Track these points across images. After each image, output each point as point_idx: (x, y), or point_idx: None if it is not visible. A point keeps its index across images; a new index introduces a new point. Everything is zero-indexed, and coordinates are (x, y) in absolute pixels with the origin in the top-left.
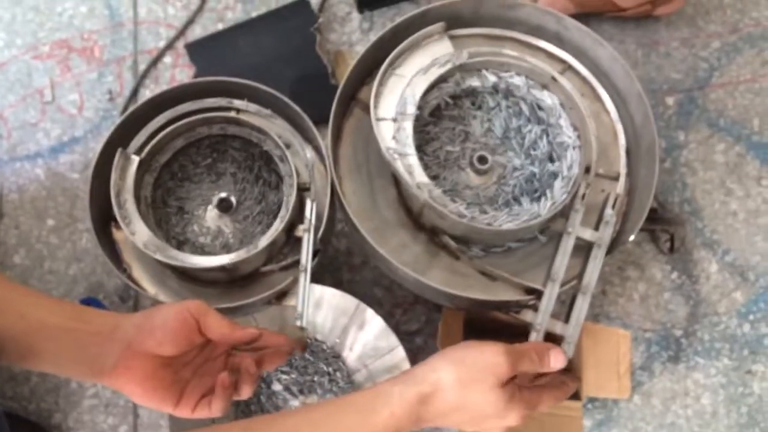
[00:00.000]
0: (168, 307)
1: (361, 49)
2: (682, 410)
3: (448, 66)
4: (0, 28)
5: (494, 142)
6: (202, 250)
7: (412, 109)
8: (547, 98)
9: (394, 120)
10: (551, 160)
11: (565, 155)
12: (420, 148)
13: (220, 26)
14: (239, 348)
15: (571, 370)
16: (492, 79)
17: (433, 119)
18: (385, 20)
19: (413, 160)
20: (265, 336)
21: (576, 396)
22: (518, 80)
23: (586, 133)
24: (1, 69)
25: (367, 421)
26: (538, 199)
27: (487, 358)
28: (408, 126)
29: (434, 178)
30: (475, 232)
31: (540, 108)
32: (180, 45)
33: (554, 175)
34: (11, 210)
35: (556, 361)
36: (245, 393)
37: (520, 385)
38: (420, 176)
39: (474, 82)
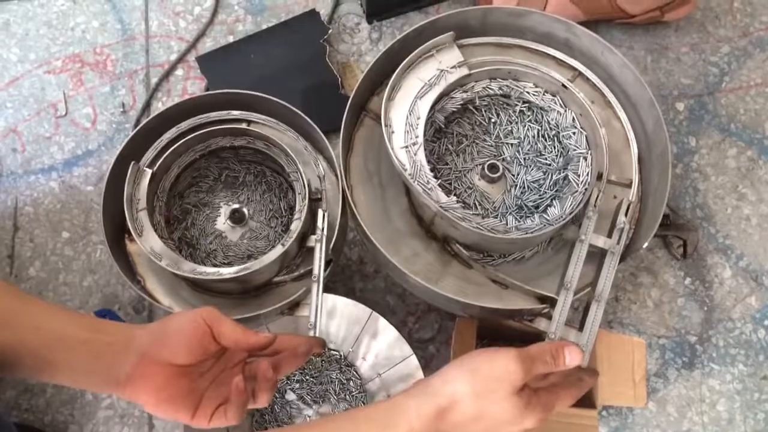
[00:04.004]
0: (181, 315)
1: (370, 59)
2: (698, 417)
3: (457, 76)
4: (13, 44)
5: (507, 152)
6: (214, 261)
7: (422, 121)
8: (560, 110)
9: (406, 132)
10: (563, 168)
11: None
12: (431, 157)
13: (231, 39)
14: (255, 354)
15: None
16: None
17: (445, 128)
18: (394, 30)
19: (425, 170)
20: (280, 339)
21: (591, 404)
22: (530, 90)
23: (598, 140)
24: (15, 84)
25: None
26: (548, 208)
27: (500, 366)
28: (419, 136)
29: (446, 186)
30: (487, 240)
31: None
32: (191, 58)
33: (565, 185)
34: (26, 223)
35: (572, 358)
36: (262, 401)
37: (536, 387)
38: (432, 186)
39: (484, 92)
